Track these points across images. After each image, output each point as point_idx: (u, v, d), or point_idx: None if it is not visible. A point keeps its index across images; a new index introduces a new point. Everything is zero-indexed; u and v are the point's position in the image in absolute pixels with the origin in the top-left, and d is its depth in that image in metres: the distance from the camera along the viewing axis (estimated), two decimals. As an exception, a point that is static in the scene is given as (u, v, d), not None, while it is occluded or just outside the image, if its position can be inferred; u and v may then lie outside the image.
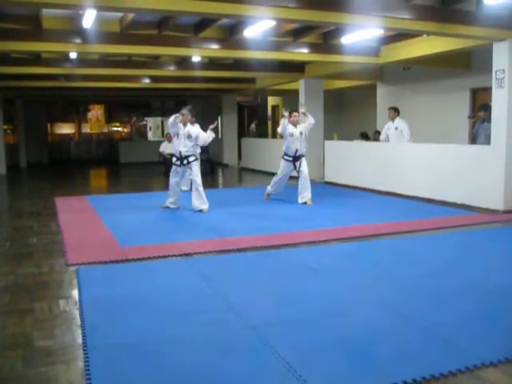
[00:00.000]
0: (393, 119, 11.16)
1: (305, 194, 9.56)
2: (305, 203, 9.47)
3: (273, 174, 10.50)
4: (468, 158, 9.05)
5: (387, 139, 11.26)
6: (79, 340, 3.58)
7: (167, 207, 9.03)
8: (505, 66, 8.25)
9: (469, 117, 10.76)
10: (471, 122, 10.63)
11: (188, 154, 8.71)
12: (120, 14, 8.76)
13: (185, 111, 8.77)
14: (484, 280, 4.93)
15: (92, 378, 3.01)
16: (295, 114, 9.75)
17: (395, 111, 11.10)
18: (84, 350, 3.39)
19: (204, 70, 13.30)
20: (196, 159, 8.82)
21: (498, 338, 3.57)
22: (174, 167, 8.89)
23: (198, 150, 8.96)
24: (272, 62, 12.97)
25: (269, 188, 10.12)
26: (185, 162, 8.72)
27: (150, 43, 9.46)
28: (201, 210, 8.67)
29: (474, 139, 9.92)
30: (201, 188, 8.71)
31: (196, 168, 8.78)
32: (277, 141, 16.15)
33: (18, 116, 20.49)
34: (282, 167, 9.80)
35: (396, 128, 11.04)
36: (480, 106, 9.67)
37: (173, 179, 8.91)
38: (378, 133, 13.09)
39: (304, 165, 9.63)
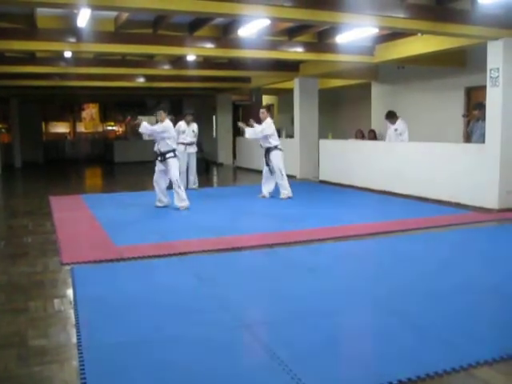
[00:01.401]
0: (393, 124, 11.15)
1: (281, 188, 9.88)
2: (288, 198, 9.63)
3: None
4: (462, 156, 9.07)
5: (390, 139, 11.30)
6: (74, 339, 3.57)
7: (160, 206, 9.06)
8: (499, 64, 8.26)
9: (463, 116, 10.79)
10: (465, 121, 10.65)
11: (165, 150, 8.80)
12: (114, 13, 8.73)
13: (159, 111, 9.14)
14: (478, 279, 4.95)
15: (87, 377, 3.00)
16: (261, 110, 10.05)
17: (393, 116, 11.07)
18: (79, 350, 3.38)
19: (199, 69, 13.27)
20: (173, 156, 8.86)
21: (493, 337, 3.58)
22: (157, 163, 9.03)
23: (173, 146, 8.96)
24: (267, 61, 12.95)
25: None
26: (162, 158, 8.82)
27: (144, 42, 9.43)
28: (179, 208, 8.74)
29: (468, 138, 9.94)
30: (176, 184, 8.76)
31: (172, 163, 8.81)
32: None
33: (12, 115, 20.38)
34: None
35: (396, 129, 11.05)
36: (474, 105, 9.69)
37: (155, 176, 9.02)
38: (373, 132, 13.13)
39: (274, 157, 9.79)
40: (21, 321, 3.94)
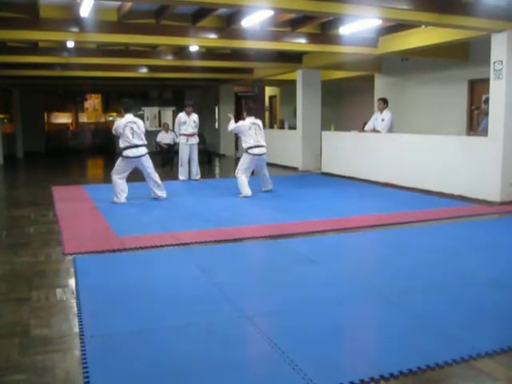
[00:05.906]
0: (381, 110, 11.16)
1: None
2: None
3: (269, 164, 10.46)
4: (465, 149, 9.06)
5: (374, 129, 11.30)
6: (76, 329, 3.58)
7: (157, 197, 9.06)
8: (503, 57, 8.24)
9: (474, 108, 10.78)
10: (476, 114, 10.66)
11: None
12: (117, 3, 8.71)
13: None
14: (480, 271, 4.95)
15: (89, 366, 3.02)
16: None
17: (384, 103, 11.10)
18: (81, 339, 3.39)
19: (201, 60, 13.24)
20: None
21: (493, 329, 3.58)
22: None
23: (121, 145, 8.99)
24: (270, 53, 12.93)
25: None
26: None
27: (147, 32, 9.41)
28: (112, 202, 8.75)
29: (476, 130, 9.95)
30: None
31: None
32: (273, 131, 16.15)
33: (14, 105, 20.39)
34: None
35: (382, 119, 11.06)
36: (485, 99, 9.68)
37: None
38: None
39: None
40: (23, 310, 3.95)
